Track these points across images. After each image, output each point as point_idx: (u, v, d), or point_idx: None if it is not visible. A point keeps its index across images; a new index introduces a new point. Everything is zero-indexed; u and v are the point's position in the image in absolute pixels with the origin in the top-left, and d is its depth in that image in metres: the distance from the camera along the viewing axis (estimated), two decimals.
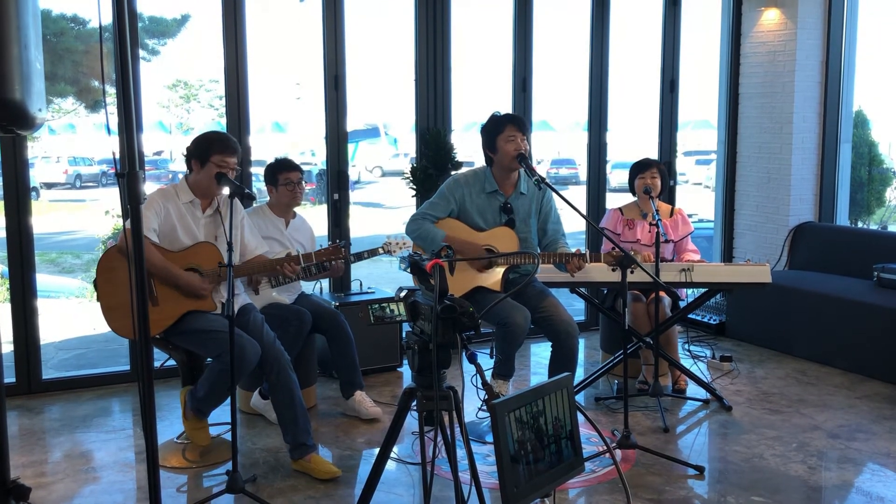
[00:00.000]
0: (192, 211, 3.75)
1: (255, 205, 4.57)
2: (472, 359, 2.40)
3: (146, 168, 6.31)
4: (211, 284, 3.66)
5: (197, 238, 3.73)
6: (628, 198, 5.00)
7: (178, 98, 20.33)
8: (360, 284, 5.29)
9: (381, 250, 4.20)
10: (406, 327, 2.65)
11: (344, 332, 4.32)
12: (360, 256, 4.05)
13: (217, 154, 3.67)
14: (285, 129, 23.90)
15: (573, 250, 4.07)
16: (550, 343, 4.09)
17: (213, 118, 18.94)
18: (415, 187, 5.48)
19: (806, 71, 6.15)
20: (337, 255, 3.89)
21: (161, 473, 2.43)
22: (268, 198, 4.47)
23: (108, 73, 4.93)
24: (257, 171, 5.93)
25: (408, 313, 2.56)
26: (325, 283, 5.11)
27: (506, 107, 5.79)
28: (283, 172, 4.38)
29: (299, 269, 3.82)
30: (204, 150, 3.70)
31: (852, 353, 5.18)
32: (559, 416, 2.11)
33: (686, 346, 5.62)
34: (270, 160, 4.49)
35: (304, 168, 4.59)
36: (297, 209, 4.55)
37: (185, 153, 3.78)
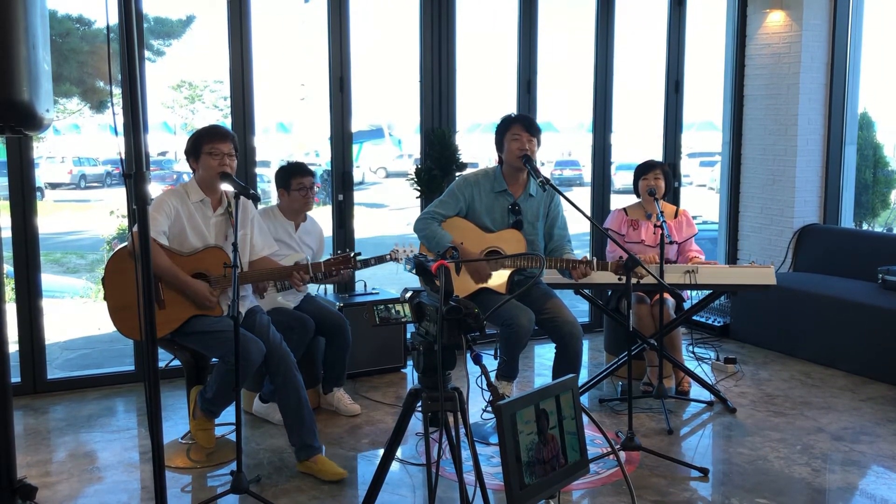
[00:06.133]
0: (203, 210, 3.75)
1: (261, 206, 4.57)
2: (477, 360, 2.40)
3: (151, 169, 6.31)
4: (218, 293, 3.67)
5: (206, 238, 3.73)
6: (633, 199, 5.00)
7: (183, 99, 20.38)
8: (365, 285, 5.29)
9: (388, 258, 4.21)
10: (411, 328, 2.65)
11: (344, 338, 4.33)
12: (366, 263, 4.03)
13: (206, 143, 3.69)
14: (290, 129, 23.91)
15: (580, 257, 4.06)
16: (554, 344, 4.09)
17: (217, 119, 18.97)
18: (419, 188, 5.49)
19: (811, 73, 6.14)
20: (346, 265, 3.88)
21: (166, 473, 2.43)
22: (274, 199, 4.47)
23: (114, 74, 4.94)
24: (262, 172, 5.93)
25: (413, 314, 2.56)
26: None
27: (510, 108, 5.79)
28: (296, 177, 4.36)
29: (308, 277, 3.82)
30: (195, 143, 3.74)
31: (857, 355, 5.18)
32: (564, 417, 2.11)
33: (690, 347, 5.62)
34: (280, 162, 4.49)
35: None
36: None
37: (185, 155, 3.81)
